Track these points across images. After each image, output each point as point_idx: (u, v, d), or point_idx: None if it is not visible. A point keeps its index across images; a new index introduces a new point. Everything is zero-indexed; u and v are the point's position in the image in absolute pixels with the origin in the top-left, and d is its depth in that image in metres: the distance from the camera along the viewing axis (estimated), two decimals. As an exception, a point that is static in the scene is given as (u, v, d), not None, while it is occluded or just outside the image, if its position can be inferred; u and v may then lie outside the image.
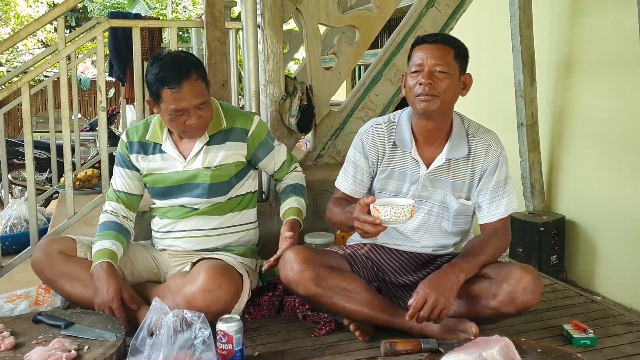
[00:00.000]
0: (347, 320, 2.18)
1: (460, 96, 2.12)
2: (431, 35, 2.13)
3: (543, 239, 4.13)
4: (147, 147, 2.38)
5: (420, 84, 2.02)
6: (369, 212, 1.87)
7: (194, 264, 2.22)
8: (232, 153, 2.34)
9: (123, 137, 2.43)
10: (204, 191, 2.33)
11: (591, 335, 2.09)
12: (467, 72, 2.13)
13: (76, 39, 4.04)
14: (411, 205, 1.84)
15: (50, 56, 3.77)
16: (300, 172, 2.64)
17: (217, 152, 2.33)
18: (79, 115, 5.01)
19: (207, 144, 2.32)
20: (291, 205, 2.45)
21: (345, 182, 2.28)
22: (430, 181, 2.17)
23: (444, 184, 2.17)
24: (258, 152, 2.42)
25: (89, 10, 16.24)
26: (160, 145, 2.35)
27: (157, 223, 2.46)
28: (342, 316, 2.17)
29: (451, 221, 2.20)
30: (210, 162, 2.32)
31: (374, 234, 1.88)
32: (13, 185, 6.22)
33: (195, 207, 2.37)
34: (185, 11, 15.58)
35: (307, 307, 2.34)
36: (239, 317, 1.95)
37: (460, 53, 2.08)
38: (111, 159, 3.00)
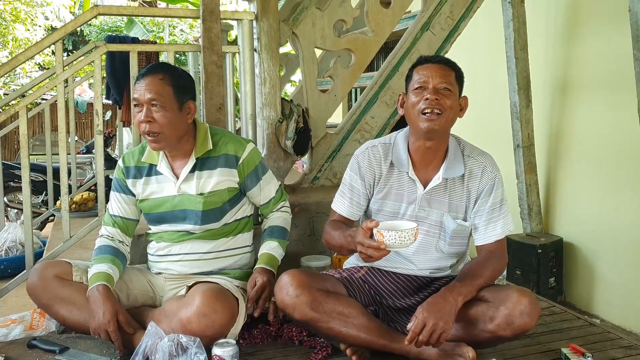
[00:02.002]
0: (344, 344, 2.16)
1: (457, 117, 2.15)
2: (433, 56, 2.19)
3: (541, 261, 4.12)
4: (142, 170, 2.39)
5: (426, 98, 2.04)
6: (371, 236, 1.86)
7: (189, 287, 2.21)
8: (224, 179, 2.34)
9: (120, 162, 2.44)
10: (197, 219, 2.33)
11: (590, 359, 2.08)
12: (463, 95, 2.17)
13: (74, 62, 4.07)
14: (415, 228, 1.85)
15: (47, 79, 3.80)
16: (286, 212, 2.57)
17: (210, 178, 2.33)
18: (75, 138, 5.01)
19: (200, 169, 2.32)
20: (264, 250, 2.43)
21: (341, 204, 2.28)
22: (427, 201, 2.17)
23: (440, 204, 2.17)
24: (247, 180, 2.41)
25: (85, 33, 16.35)
26: (156, 166, 2.36)
27: (152, 246, 2.45)
28: (339, 341, 2.15)
29: (447, 242, 2.20)
30: (203, 189, 2.32)
31: (377, 259, 1.88)
32: (8, 208, 6.20)
33: (191, 231, 2.37)
34: (182, 34, 15.70)
35: (304, 332, 2.32)
36: (234, 342, 1.95)
37: (459, 76, 2.14)
38: (107, 181, 3.01)
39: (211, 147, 2.33)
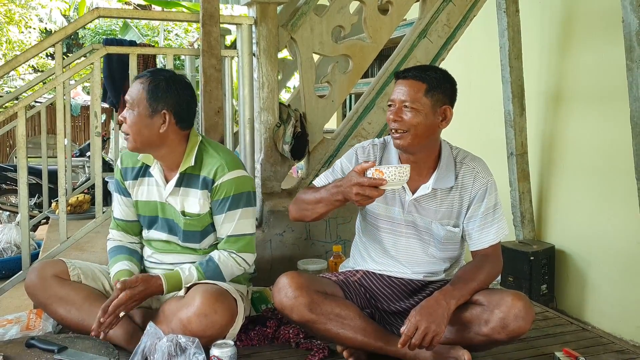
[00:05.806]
0: (341, 346, 2.18)
1: (441, 128, 2.15)
2: (407, 70, 2.16)
3: (533, 268, 4.15)
4: (138, 171, 2.39)
5: (392, 118, 2.09)
6: None
7: (188, 288, 2.21)
8: (204, 202, 2.30)
9: (118, 163, 2.44)
10: (180, 234, 2.35)
11: (583, 363, 2.11)
12: (448, 103, 2.13)
13: (72, 65, 4.07)
14: (408, 166, 1.92)
15: (43, 82, 3.80)
16: (237, 262, 2.30)
17: (193, 198, 2.30)
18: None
19: (183, 185, 2.30)
20: (178, 269, 2.23)
21: (325, 181, 2.26)
22: (415, 207, 2.20)
23: (429, 211, 2.19)
24: (214, 205, 2.31)
25: (80, 36, 16.33)
26: (150, 167, 2.35)
27: (147, 252, 2.46)
28: (336, 342, 2.17)
29: (438, 247, 2.23)
30: (184, 207, 2.31)
31: (373, 199, 1.92)
32: (1, 211, 6.17)
33: (178, 243, 2.39)
34: (177, 39, 15.70)
35: (301, 333, 2.33)
36: (232, 343, 1.96)
37: (433, 86, 2.09)
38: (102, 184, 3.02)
39: (193, 164, 2.28)
